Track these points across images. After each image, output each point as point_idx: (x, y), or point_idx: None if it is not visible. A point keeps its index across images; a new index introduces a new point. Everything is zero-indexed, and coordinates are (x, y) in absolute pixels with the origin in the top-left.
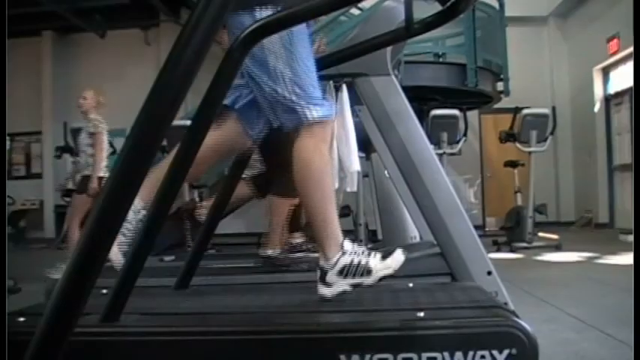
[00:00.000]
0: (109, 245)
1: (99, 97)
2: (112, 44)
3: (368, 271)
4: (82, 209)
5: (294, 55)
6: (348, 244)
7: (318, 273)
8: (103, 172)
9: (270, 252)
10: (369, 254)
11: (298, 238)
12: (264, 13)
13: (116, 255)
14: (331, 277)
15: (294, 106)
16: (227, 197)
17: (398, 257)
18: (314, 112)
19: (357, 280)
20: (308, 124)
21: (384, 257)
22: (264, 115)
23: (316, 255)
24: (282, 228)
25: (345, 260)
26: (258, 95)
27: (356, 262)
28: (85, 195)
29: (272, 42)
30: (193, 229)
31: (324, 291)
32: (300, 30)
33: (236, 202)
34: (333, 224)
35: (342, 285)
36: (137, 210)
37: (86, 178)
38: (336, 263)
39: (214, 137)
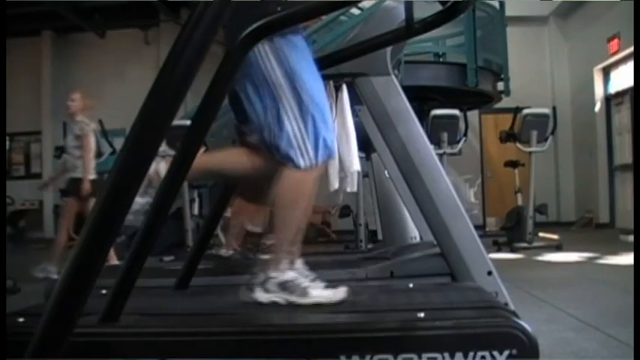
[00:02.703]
0: (109, 245)
1: (86, 100)
2: (112, 44)
3: (304, 294)
4: (71, 212)
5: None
6: (299, 264)
7: (262, 277)
8: (93, 175)
9: (223, 252)
10: (313, 280)
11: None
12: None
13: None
14: (272, 285)
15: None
16: (227, 198)
17: (340, 293)
18: (302, 161)
19: (292, 297)
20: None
21: (327, 288)
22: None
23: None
24: (241, 230)
25: (290, 276)
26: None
27: (298, 281)
28: (75, 198)
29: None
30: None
31: (261, 296)
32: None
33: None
34: (296, 240)
35: (278, 296)
36: None
37: (76, 182)
38: (281, 275)
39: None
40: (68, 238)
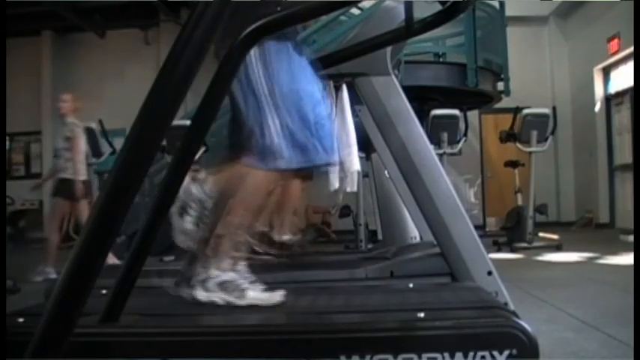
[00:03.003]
0: (109, 245)
1: (77, 102)
2: (112, 44)
3: (241, 295)
4: (61, 213)
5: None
6: (241, 267)
7: (201, 275)
8: (84, 176)
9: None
10: (252, 282)
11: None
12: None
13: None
14: (212, 284)
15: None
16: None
17: (276, 296)
18: (262, 164)
19: (229, 298)
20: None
21: (265, 291)
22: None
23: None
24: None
25: (230, 277)
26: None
27: (237, 282)
28: (64, 199)
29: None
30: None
31: (201, 294)
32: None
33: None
34: (240, 243)
35: (217, 296)
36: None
37: (65, 182)
38: (222, 275)
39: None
40: (62, 237)
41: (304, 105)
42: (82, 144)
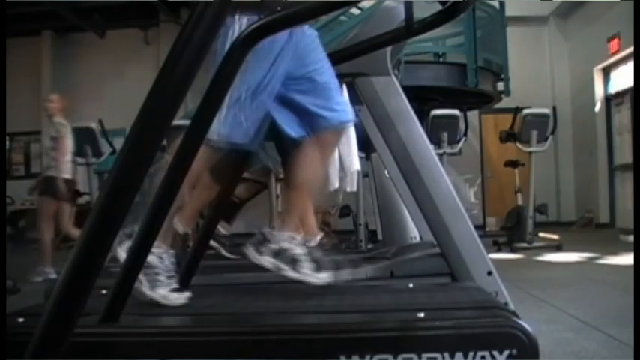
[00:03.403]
0: (109, 245)
1: (64, 101)
2: (112, 44)
3: (294, 267)
4: (49, 211)
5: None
6: (300, 238)
7: (260, 236)
8: (68, 175)
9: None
10: (310, 260)
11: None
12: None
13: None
14: (266, 248)
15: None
16: (227, 198)
17: (325, 277)
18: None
19: (281, 265)
20: (324, 130)
21: (318, 269)
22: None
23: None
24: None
25: (287, 245)
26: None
27: (293, 252)
28: (51, 198)
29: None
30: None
31: (252, 253)
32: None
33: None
34: (306, 217)
35: (269, 261)
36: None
37: (49, 180)
38: (279, 241)
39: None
40: (62, 236)
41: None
42: (69, 144)
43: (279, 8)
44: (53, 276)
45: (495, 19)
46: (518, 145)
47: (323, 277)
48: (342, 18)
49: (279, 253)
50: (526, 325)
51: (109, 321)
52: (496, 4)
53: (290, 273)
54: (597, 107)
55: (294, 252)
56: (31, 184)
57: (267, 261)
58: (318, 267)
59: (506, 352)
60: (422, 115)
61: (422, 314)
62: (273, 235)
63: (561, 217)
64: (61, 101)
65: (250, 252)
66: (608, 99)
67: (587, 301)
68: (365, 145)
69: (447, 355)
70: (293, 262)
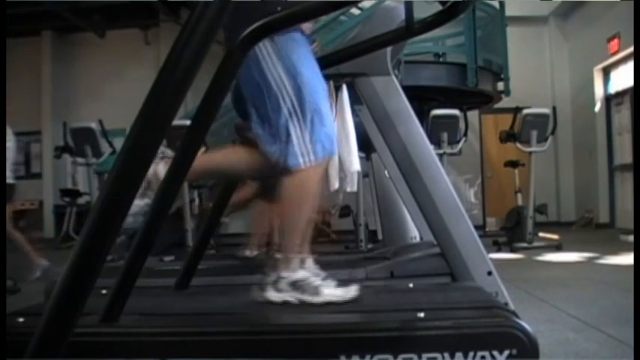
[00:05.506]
0: (109, 245)
1: (8, 106)
2: (112, 44)
3: (316, 292)
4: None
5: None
6: (310, 264)
7: (274, 276)
8: (12, 180)
9: (247, 253)
10: (324, 279)
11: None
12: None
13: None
14: (284, 285)
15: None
16: (227, 198)
17: (351, 291)
18: (301, 160)
19: (304, 297)
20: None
21: (339, 286)
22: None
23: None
24: (264, 231)
25: (301, 275)
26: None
27: (309, 280)
28: None
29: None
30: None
31: (274, 295)
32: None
33: (241, 203)
34: (305, 239)
35: (291, 296)
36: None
37: None
38: (293, 274)
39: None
40: (21, 233)
41: (322, 93)
42: (12, 149)
43: (279, 8)
44: (46, 264)
45: (495, 19)
46: (518, 145)
47: (349, 291)
48: (342, 18)
49: (296, 286)
50: (526, 325)
51: (109, 321)
52: (496, 4)
53: (315, 299)
54: (597, 107)
55: (309, 279)
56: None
57: (290, 296)
58: (337, 284)
59: (506, 352)
60: (422, 115)
61: (422, 314)
62: (282, 270)
63: (561, 217)
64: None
65: (272, 295)
66: (608, 99)
67: (587, 301)
68: (365, 145)
69: (447, 355)
70: (312, 288)
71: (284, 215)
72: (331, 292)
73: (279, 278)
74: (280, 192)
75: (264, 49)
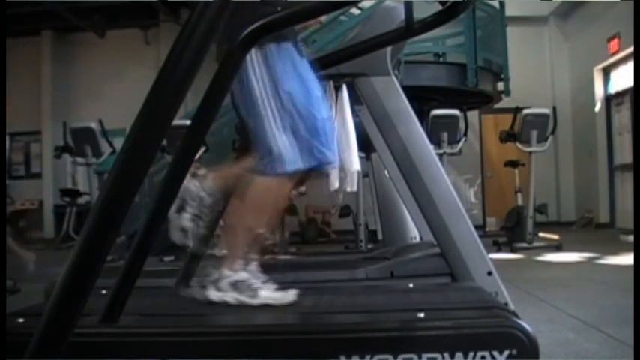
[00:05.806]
0: (109, 245)
1: None
2: (112, 44)
3: (254, 294)
4: None
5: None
6: (253, 266)
7: (215, 275)
8: None
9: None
10: (265, 282)
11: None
12: None
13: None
14: (224, 284)
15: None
16: (227, 198)
17: (289, 295)
18: (271, 169)
19: (242, 297)
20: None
21: (277, 290)
22: None
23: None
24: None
25: (242, 276)
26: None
27: (249, 282)
28: None
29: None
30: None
31: (214, 294)
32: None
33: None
34: (251, 244)
35: (229, 296)
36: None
37: None
38: (234, 275)
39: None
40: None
41: (308, 105)
42: None
43: (279, 8)
44: (33, 257)
45: (495, 19)
46: (518, 145)
47: (287, 296)
48: (342, 18)
49: (236, 286)
50: (526, 325)
51: (109, 321)
52: (496, 4)
53: (253, 301)
54: (597, 107)
55: (249, 280)
56: None
57: (229, 296)
58: (276, 288)
59: (506, 352)
60: (422, 115)
61: (422, 314)
62: (223, 267)
63: (561, 217)
64: None
65: (212, 293)
66: (608, 99)
67: (587, 301)
68: (365, 145)
69: (447, 355)
70: (251, 290)
71: (240, 215)
72: (269, 294)
73: (221, 277)
74: (244, 189)
75: (255, 57)
